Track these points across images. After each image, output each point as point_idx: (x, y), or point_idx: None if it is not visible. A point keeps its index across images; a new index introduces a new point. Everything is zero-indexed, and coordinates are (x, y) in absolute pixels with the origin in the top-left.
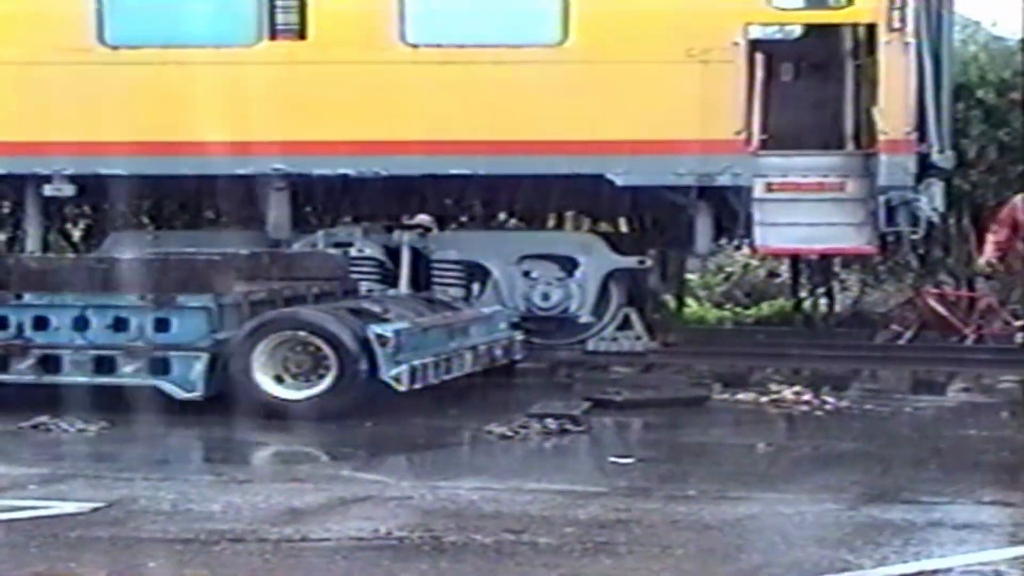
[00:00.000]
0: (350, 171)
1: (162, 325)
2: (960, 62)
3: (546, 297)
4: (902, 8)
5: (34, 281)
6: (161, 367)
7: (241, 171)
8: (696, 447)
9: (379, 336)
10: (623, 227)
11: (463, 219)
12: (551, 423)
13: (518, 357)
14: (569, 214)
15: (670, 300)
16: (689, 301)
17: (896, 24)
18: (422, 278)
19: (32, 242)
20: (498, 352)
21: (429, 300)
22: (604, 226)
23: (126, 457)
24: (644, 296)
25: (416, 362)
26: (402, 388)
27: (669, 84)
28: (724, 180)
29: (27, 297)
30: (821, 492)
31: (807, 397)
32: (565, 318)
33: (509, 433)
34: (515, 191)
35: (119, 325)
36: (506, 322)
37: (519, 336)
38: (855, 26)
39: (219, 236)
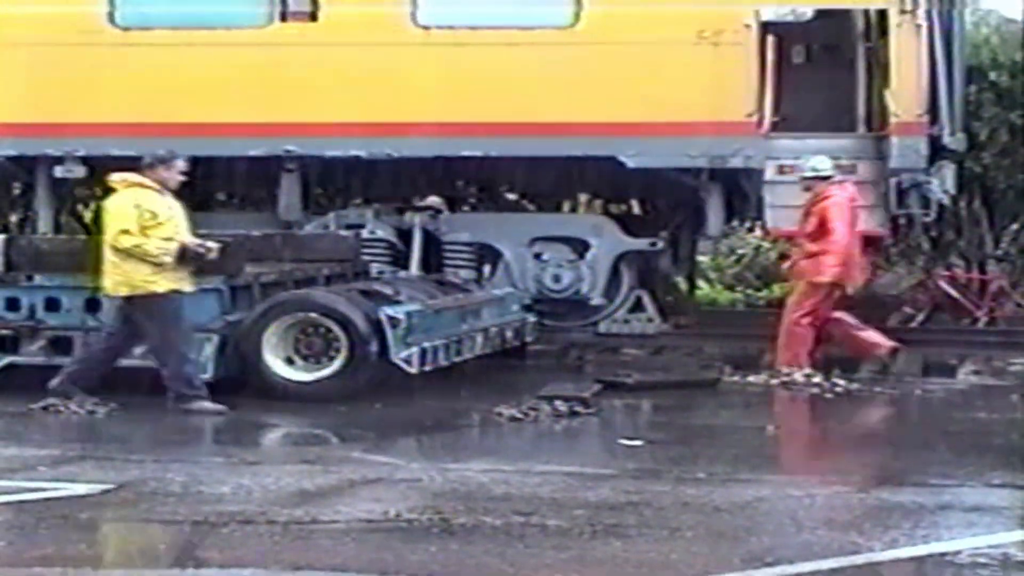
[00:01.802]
0: (361, 153)
1: None
2: (972, 44)
3: (557, 279)
4: None
5: (45, 262)
6: None
7: (253, 152)
8: (706, 429)
9: (390, 318)
10: (635, 209)
11: (474, 201)
12: (561, 405)
13: (529, 339)
14: (582, 196)
15: (681, 282)
16: (700, 283)
17: (908, 6)
18: (433, 260)
19: (43, 223)
20: (509, 334)
21: (440, 282)
22: (616, 208)
23: (136, 439)
24: (655, 278)
25: (427, 344)
26: (413, 370)
27: (680, 66)
28: (736, 162)
29: (38, 279)
30: (831, 475)
31: (818, 379)
32: (576, 300)
33: (519, 415)
34: (527, 173)
35: None
36: (517, 304)
37: (530, 318)
38: (867, 8)
39: (230, 218)
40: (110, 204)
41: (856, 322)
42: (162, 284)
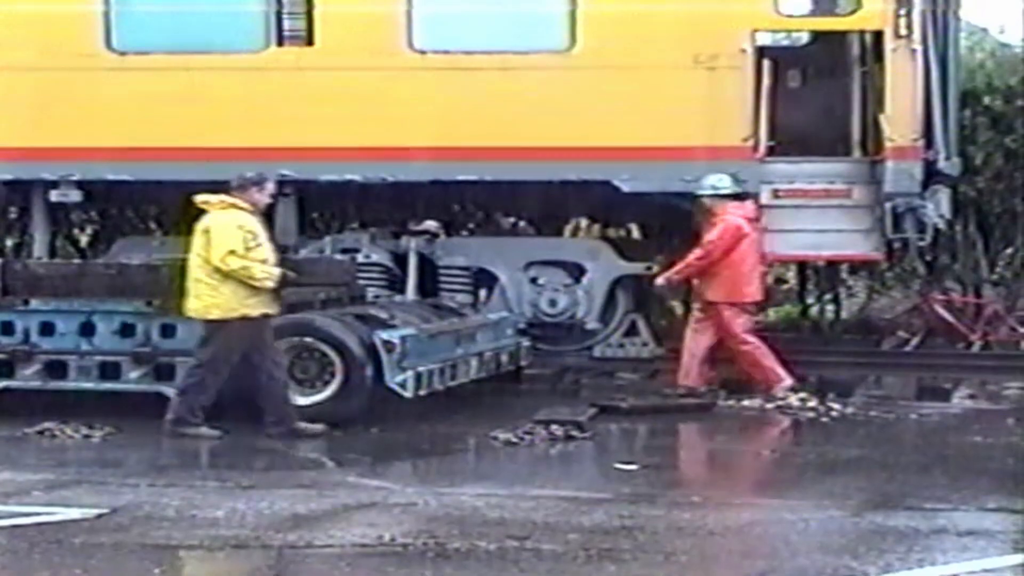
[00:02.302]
0: (357, 177)
1: (168, 331)
2: (967, 69)
3: (553, 303)
4: (909, 15)
5: (41, 287)
6: (167, 373)
7: None
8: (701, 454)
9: (385, 342)
10: (631, 233)
11: (470, 225)
12: (557, 429)
13: (524, 363)
14: (581, 221)
15: (677, 306)
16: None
17: (903, 31)
18: (429, 284)
19: (39, 248)
20: (504, 358)
21: (436, 306)
22: (611, 232)
23: (131, 463)
24: (651, 302)
25: (422, 368)
26: (408, 394)
27: (676, 90)
28: None
29: (34, 303)
30: (825, 499)
31: (813, 403)
32: (572, 324)
33: (514, 439)
34: (522, 197)
35: (125, 331)
36: (513, 328)
37: (526, 342)
38: (862, 33)
39: None
40: (213, 224)
41: (766, 349)
42: (257, 308)
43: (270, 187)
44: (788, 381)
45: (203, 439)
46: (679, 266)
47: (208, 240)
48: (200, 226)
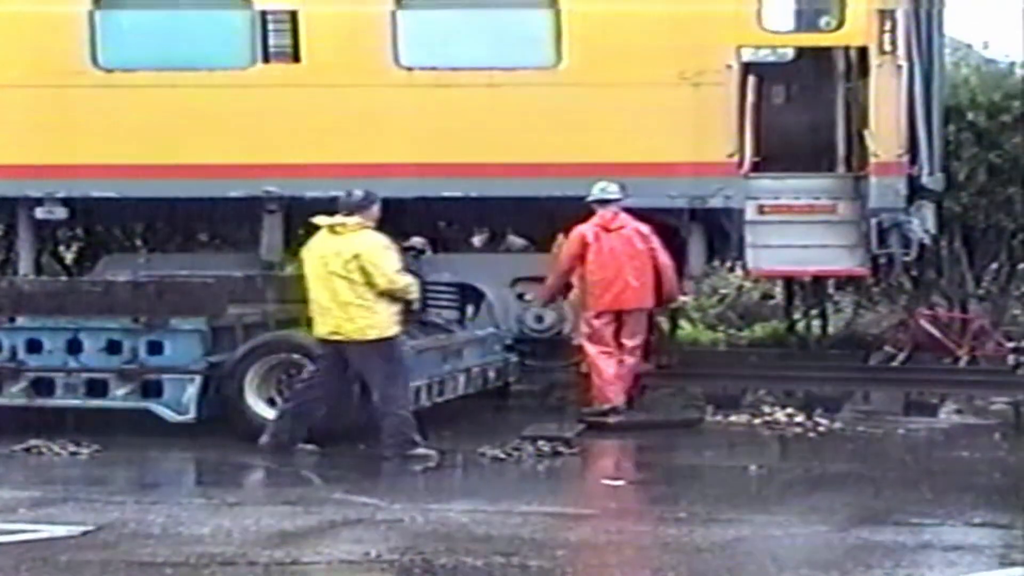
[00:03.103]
0: (342, 193)
1: (155, 348)
2: (951, 84)
3: (540, 319)
4: (893, 31)
5: (27, 304)
6: (154, 390)
7: (234, 193)
8: (688, 469)
9: None
10: None
11: (457, 241)
12: (544, 445)
13: (512, 379)
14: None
15: (663, 322)
16: (683, 323)
17: (887, 47)
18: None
19: (25, 265)
20: (492, 374)
21: (423, 322)
22: None
23: (117, 480)
24: None
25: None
26: None
27: (661, 107)
28: (716, 202)
29: (20, 320)
30: (812, 514)
31: (800, 419)
32: (559, 340)
33: (502, 455)
34: (509, 213)
35: (112, 348)
36: (500, 344)
37: (513, 358)
38: (846, 49)
39: (212, 259)
40: (364, 248)
41: (610, 366)
42: (397, 326)
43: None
44: (614, 403)
45: (425, 460)
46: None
47: (361, 264)
48: (342, 250)
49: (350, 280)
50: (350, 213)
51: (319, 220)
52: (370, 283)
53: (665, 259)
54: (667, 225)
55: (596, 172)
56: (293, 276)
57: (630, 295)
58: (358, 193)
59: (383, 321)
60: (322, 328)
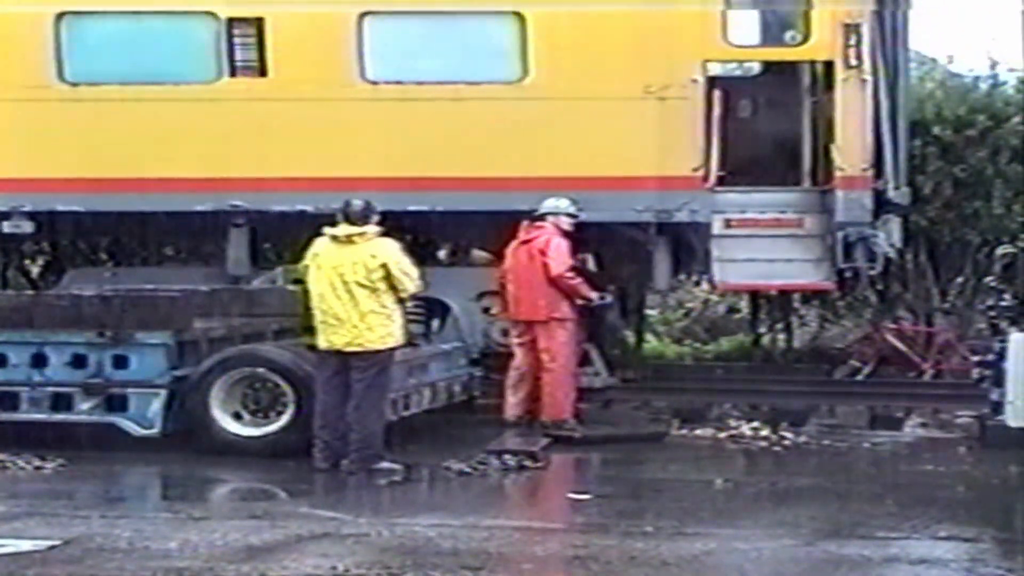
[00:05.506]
0: (309, 207)
1: (120, 362)
2: (916, 99)
3: (505, 333)
4: (858, 45)
5: None
6: (119, 404)
7: (200, 207)
8: (654, 483)
9: None
10: (584, 263)
11: (422, 255)
12: (510, 459)
13: (477, 393)
14: None
15: (629, 336)
16: (648, 337)
17: (853, 61)
18: None
19: None
20: (457, 388)
21: None
22: None
23: (83, 494)
24: (603, 332)
25: None
26: None
27: (627, 121)
28: (682, 216)
29: None
30: (778, 528)
31: (765, 433)
32: None
33: (468, 469)
34: (475, 227)
35: (77, 362)
36: (465, 358)
37: (478, 372)
38: (812, 63)
39: (178, 272)
40: (394, 253)
41: (516, 381)
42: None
43: None
44: (511, 414)
45: (391, 474)
46: None
47: (390, 272)
48: (361, 259)
49: (372, 289)
50: (354, 223)
51: (328, 231)
52: (396, 289)
53: (558, 268)
54: (633, 239)
55: (562, 186)
56: (260, 290)
57: (523, 308)
58: (357, 203)
59: (399, 329)
60: (336, 340)
